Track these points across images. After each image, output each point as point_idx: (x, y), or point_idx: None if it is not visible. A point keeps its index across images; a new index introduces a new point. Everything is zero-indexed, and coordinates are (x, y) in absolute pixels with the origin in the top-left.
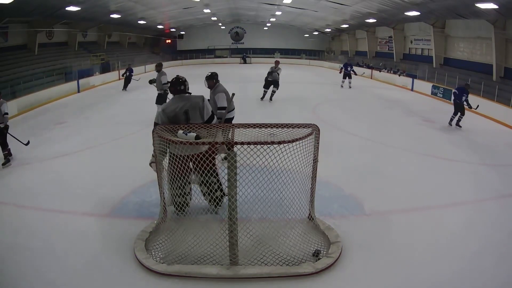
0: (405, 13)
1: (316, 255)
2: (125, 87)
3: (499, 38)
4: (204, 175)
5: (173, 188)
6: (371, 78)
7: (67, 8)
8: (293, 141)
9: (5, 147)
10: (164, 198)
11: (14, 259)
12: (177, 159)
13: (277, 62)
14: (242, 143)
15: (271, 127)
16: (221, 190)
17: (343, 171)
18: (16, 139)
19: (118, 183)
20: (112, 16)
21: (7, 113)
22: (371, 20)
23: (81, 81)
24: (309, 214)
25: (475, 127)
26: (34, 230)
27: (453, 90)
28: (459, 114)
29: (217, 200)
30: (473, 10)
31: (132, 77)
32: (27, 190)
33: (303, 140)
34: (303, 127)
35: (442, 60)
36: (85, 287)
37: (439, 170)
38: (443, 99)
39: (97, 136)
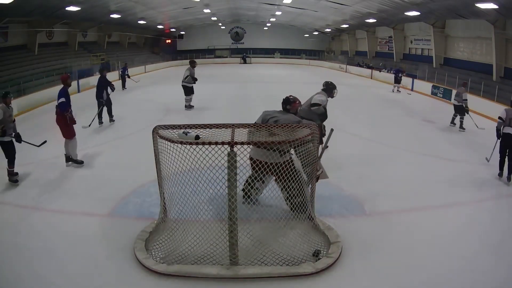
0: (405, 13)
1: (316, 255)
2: (123, 86)
3: (499, 38)
4: (283, 180)
5: (248, 177)
6: (371, 78)
7: (67, 8)
8: (293, 141)
9: None
10: (164, 198)
11: (14, 259)
12: (254, 160)
13: (465, 85)
14: (242, 143)
15: (271, 127)
16: (303, 196)
17: (343, 171)
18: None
19: (118, 183)
20: (112, 16)
21: None
22: (371, 20)
23: (81, 81)
24: (309, 214)
25: (475, 127)
26: (34, 230)
27: None
28: None
29: (296, 207)
30: (473, 10)
31: (130, 77)
32: (27, 190)
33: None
34: (303, 127)
35: (442, 60)
36: (85, 287)
37: (439, 170)
38: (443, 99)
39: (97, 136)
